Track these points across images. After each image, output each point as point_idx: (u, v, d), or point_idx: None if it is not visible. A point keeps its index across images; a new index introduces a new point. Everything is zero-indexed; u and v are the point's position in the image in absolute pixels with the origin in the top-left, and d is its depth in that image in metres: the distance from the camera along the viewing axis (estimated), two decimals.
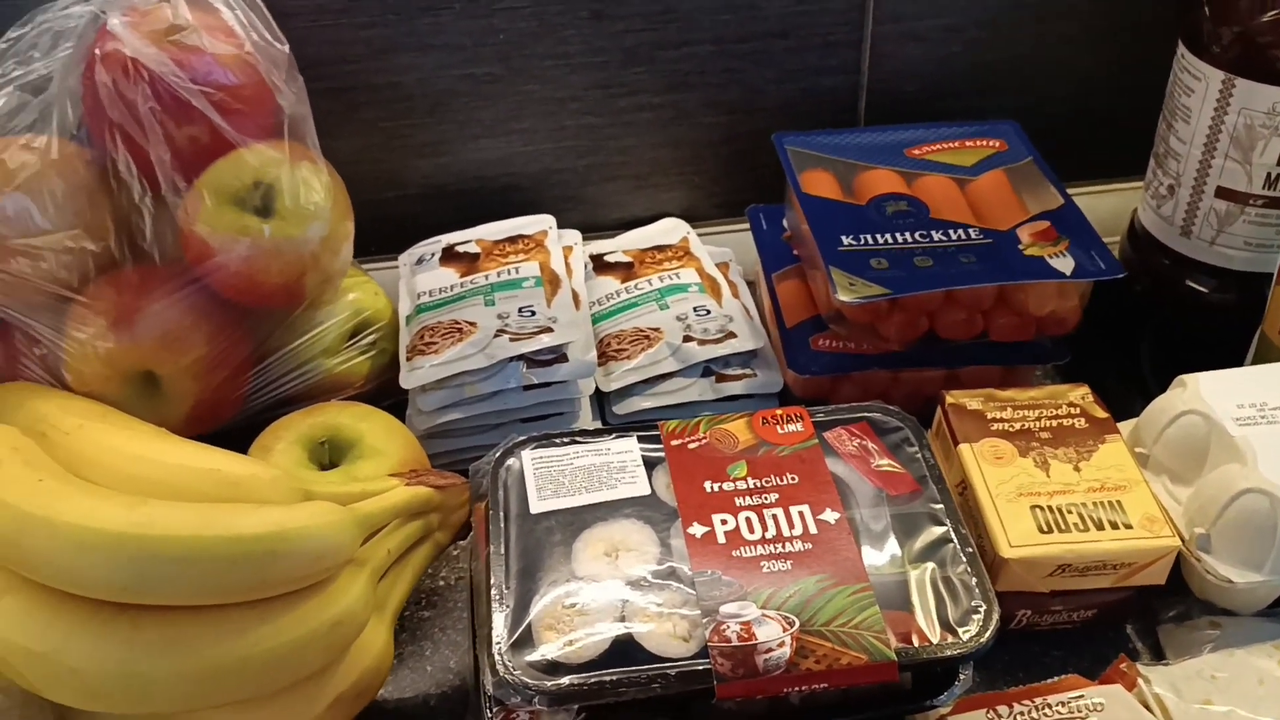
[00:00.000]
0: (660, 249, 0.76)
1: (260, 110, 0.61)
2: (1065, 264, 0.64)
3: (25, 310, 0.60)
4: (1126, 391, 0.67)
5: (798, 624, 0.48)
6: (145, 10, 0.61)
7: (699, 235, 0.78)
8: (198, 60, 0.59)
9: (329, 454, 0.59)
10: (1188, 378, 0.60)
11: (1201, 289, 0.71)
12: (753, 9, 0.73)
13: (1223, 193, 0.67)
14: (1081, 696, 0.52)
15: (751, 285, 0.76)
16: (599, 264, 0.75)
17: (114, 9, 0.60)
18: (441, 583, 0.62)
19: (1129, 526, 0.55)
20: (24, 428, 0.53)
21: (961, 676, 0.51)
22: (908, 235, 0.66)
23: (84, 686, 0.46)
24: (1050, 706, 0.52)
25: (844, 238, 0.66)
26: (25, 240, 0.58)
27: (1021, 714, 0.52)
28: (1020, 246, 0.65)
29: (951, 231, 0.66)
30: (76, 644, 0.46)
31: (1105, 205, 0.79)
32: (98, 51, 0.59)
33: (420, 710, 0.56)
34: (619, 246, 0.76)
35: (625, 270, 0.74)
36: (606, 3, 0.71)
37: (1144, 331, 0.74)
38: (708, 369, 0.68)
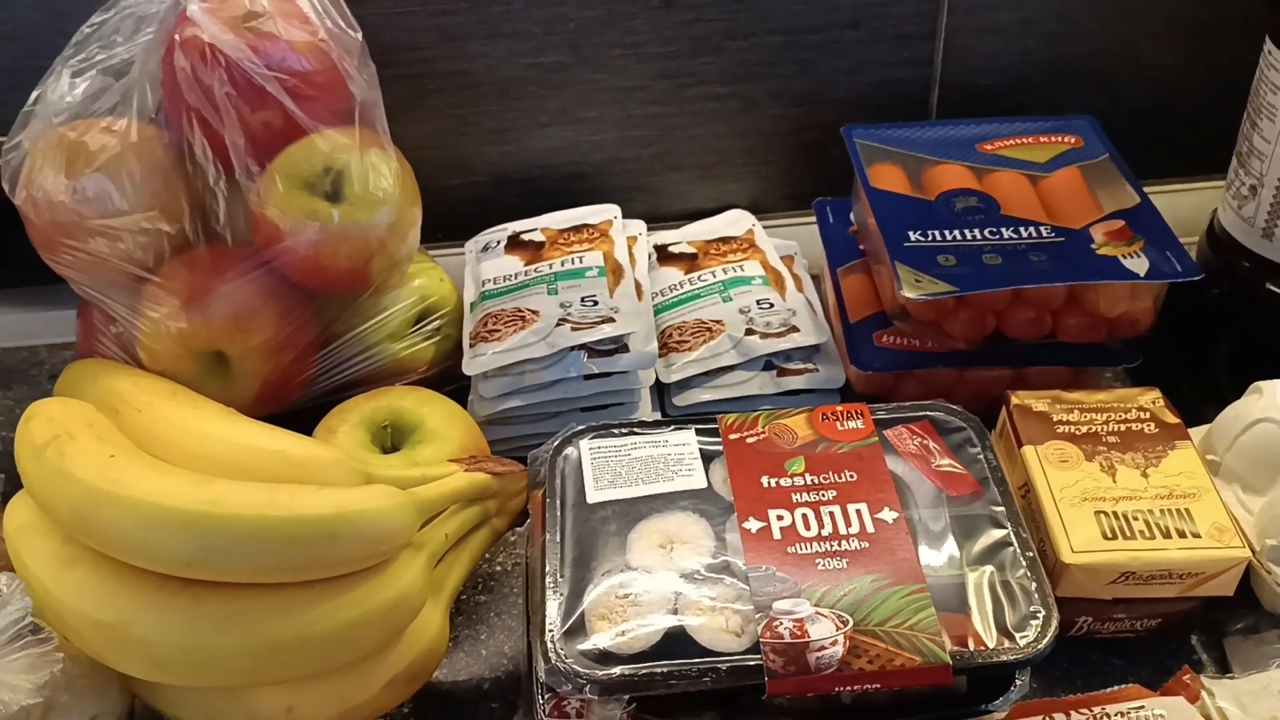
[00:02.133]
0: (725, 240, 0.75)
1: (332, 96, 0.62)
2: (1139, 265, 0.62)
3: (103, 289, 0.62)
4: (1201, 397, 0.65)
5: (851, 623, 0.48)
6: None
7: (765, 227, 0.77)
8: (273, 47, 0.60)
9: (391, 437, 0.60)
10: (1264, 384, 0.59)
11: None
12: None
13: None
14: (1142, 708, 0.51)
15: (816, 279, 0.75)
16: (663, 254, 0.75)
17: None
18: (499, 568, 0.62)
19: (1197, 536, 0.53)
20: (98, 403, 0.55)
21: (1018, 682, 0.50)
22: (977, 232, 0.65)
23: (148, 657, 0.48)
24: (1109, 716, 0.51)
25: (911, 233, 0.65)
26: (104, 221, 0.60)
27: None
28: (1093, 246, 0.64)
29: (1022, 229, 0.65)
30: (142, 616, 0.47)
31: (1185, 205, 0.77)
32: (177, 37, 0.60)
33: (473, 693, 0.56)
34: (684, 237, 0.76)
35: (689, 261, 0.74)
36: None
37: (1221, 335, 0.72)
38: (769, 363, 0.68)
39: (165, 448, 0.52)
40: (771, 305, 0.69)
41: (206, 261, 0.62)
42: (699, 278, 0.72)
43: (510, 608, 0.60)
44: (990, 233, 0.65)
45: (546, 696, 0.51)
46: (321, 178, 0.61)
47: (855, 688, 0.48)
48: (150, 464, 0.50)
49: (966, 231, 0.65)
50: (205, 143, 0.61)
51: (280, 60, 0.60)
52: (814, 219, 0.75)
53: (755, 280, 0.71)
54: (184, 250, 0.62)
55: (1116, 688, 0.53)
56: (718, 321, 0.68)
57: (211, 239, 0.62)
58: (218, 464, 0.51)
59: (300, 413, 0.64)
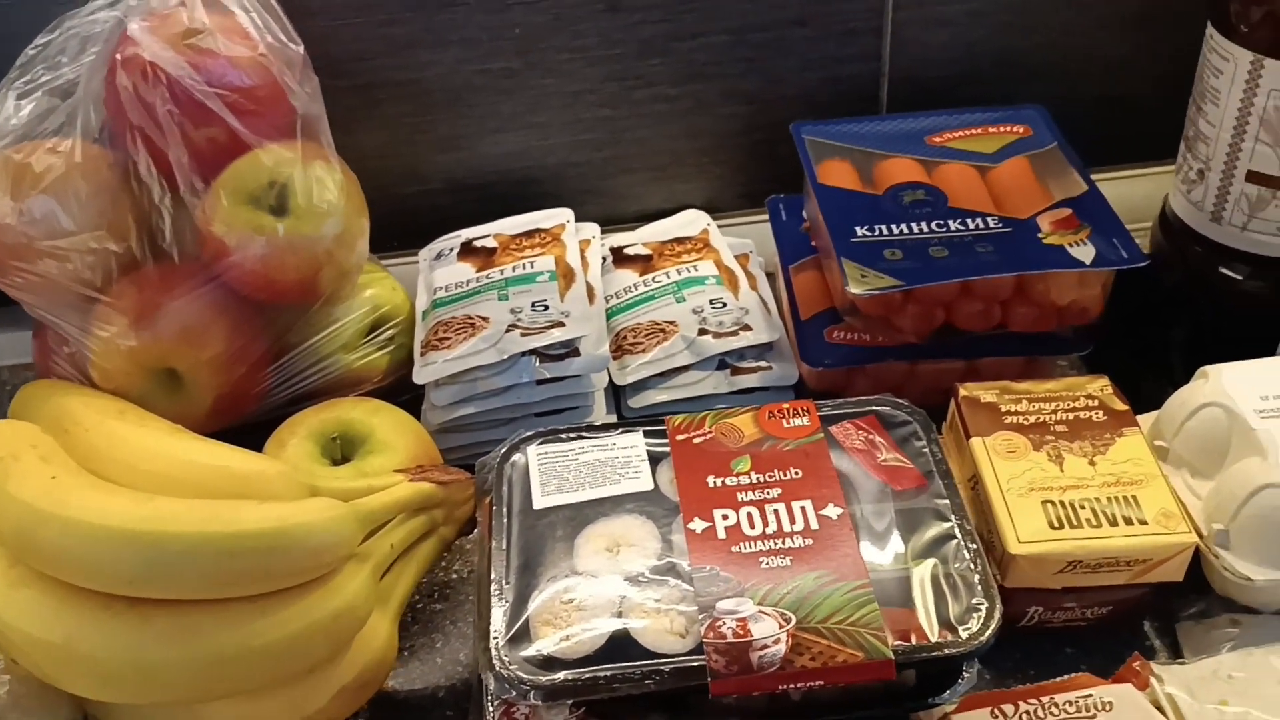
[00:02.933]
0: (680, 241, 0.76)
1: (274, 110, 0.62)
2: (1086, 253, 0.63)
3: (53, 310, 0.62)
4: (1156, 383, 0.65)
5: (794, 621, 0.48)
6: (164, 14, 0.62)
7: (722, 226, 0.78)
8: (213, 63, 0.60)
9: (341, 449, 0.60)
10: (1210, 369, 0.59)
11: (1235, 276, 0.69)
12: None
13: (1253, 177, 0.65)
14: (1090, 695, 0.51)
15: (772, 277, 0.75)
16: (619, 257, 0.75)
17: (135, 14, 0.62)
18: (455, 576, 0.62)
19: (1144, 522, 0.53)
20: (48, 424, 0.55)
21: (965, 675, 0.50)
22: (924, 225, 0.65)
23: (96, 675, 0.48)
24: (1057, 705, 0.51)
25: (858, 228, 0.65)
26: (52, 242, 0.60)
27: (1027, 713, 0.51)
28: (1040, 235, 0.64)
29: (969, 221, 0.65)
30: (88, 635, 0.48)
31: (1139, 191, 0.77)
32: (118, 56, 0.60)
33: (428, 702, 0.57)
34: (639, 239, 0.76)
35: (644, 263, 0.74)
36: None
37: (1175, 321, 0.72)
38: (723, 362, 0.68)
39: (112, 466, 0.52)
40: (724, 305, 0.70)
41: (154, 279, 0.62)
42: (653, 279, 0.72)
43: (465, 615, 0.60)
44: (938, 225, 0.65)
45: (495, 704, 0.52)
46: (266, 192, 0.61)
47: (799, 685, 0.48)
48: (92, 484, 0.50)
49: (914, 225, 0.65)
50: (150, 160, 0.61)
51: (221, 76, 0.61)
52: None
53: (709, 280, 0.71)
54: (132, 268, 0.62)
55: (1066, 677, 0.53)
56: (671, 322, 0.69)
57: (159, 256, 0.62)
58: (163, 481, 0.51)
59: (256, 426, 0.64)
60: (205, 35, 0.61)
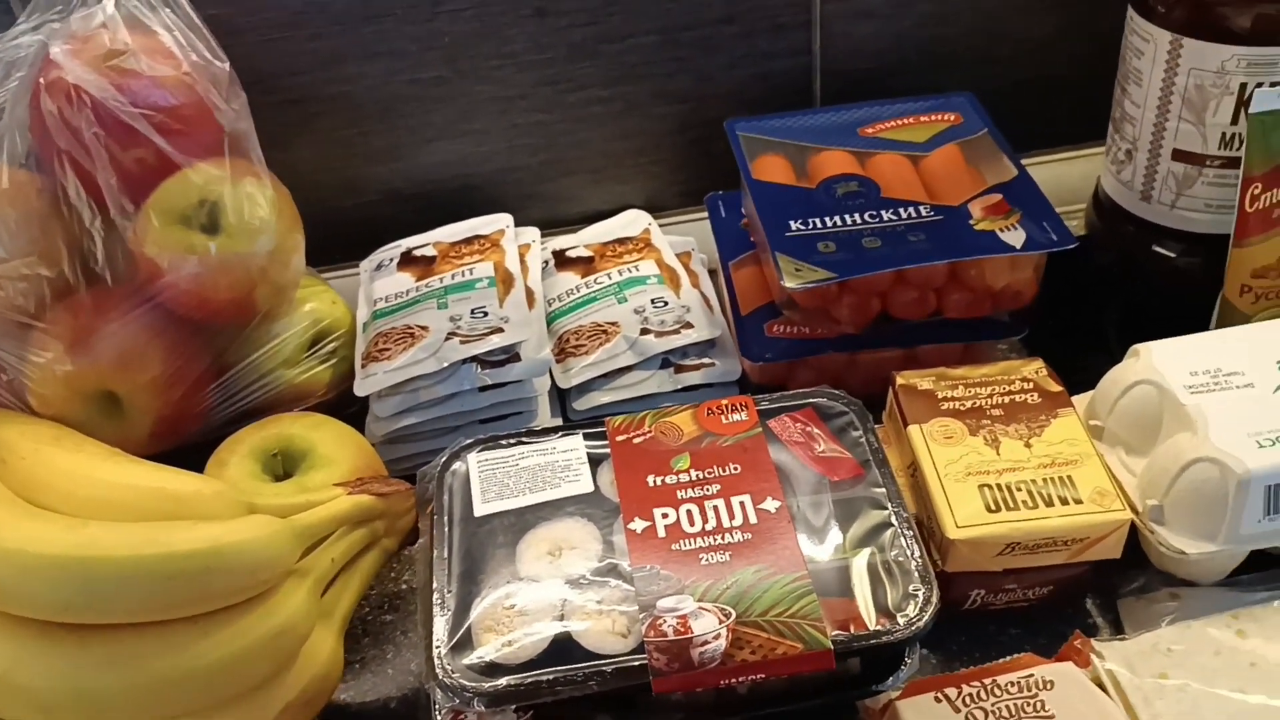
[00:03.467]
0: (621, 242, 0.76)
1: (201, 129, 0.62)
2: (1016, 237, 0.63)
3: None
4: (1095, 363, 0.66)
5: (734, 615, 0.48)
6: (85, 37, 0.61)
7: (664, 225, 0.78)
8: (137, 84, 0.60)
9: (283, 465, 0.60)
10: (1141, 347, 0.59)
11: (1167, 254, 0.69)
12: None
13: (1179, 155, 0.66)
14: (1032, 675, 0.51)
15: (714, 274, 0.75)
16: (560, 260, 0.75)
17: (57, 37, 0.61)
18: (404, 586, 0.62)
19: (1079, 502, 0.54)
20: None
21: (908, 661, 0.51)
22: (857, 216, 0.65)
23: (35, 704, 0.48)
24: (1000, 687, 0.51)
25: (792, 222, 0.65)
26: None
27: (971, 695, 0.51)
28: (971, 221, 0.65)
29: (902, 210, 0.66)
30: (26, 663, 0.47)
31: (1074, 174, 0.78)
32: (42, 80, 0.60)
33: (380, 713, 0.57)
34: (580, 241, 0.77)
35: (585, 265, 0.74)
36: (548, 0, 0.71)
37: (1111, 300, 0.73)
38: (666, 360, 0.68)
39: (49, 493, 0.52)
40: (666, 303, 0.70)
41: (88, 303, 0.62)
42: (595, 281, 0.72)
43: (416, 626, 0.60)
44: (870, 216, 0.65)
45: (444, 713, 0.52)
46: (197, 211, 0.61)
47: (741, 679, 0.48)
48: (26, 511, 0.50)
49: (847, 217, 0.65)
50: (79, 184, 0.60)
51: (146, 96, 0.60)
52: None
53: (650, 279, 0.72)
54: (66, 294, 0.62)
55: (1009, 658, 0.53)
56: (613, 323, 0.69)
57: (92, 280, 0.62)
58: (100, 506, 0.51)
59: (199, 446, 0.63)
60: (128, 56, 0.61)
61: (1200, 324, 0.65)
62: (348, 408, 0.67)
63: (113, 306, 0.62)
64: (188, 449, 0.63)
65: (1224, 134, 0.64)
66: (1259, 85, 0.61)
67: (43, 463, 0.54)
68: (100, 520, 0.49)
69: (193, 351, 0.64)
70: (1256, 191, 0.61)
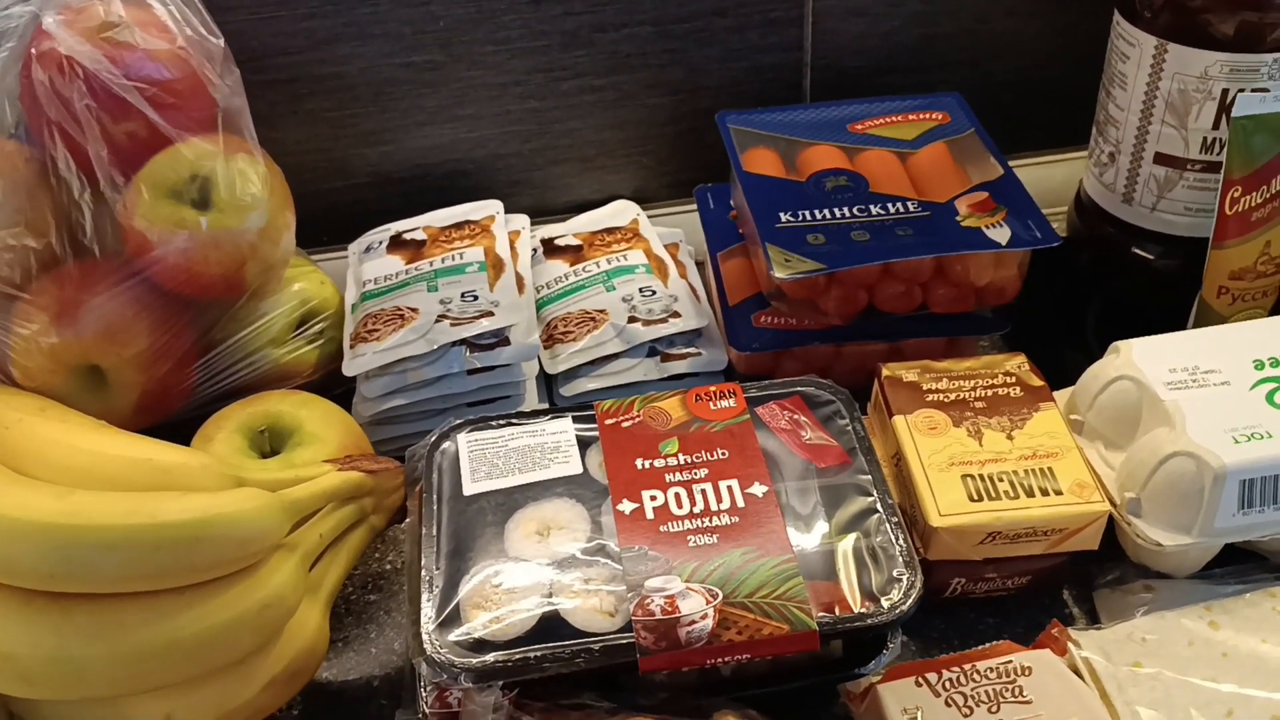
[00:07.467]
0: (610, 231, 0.76)
1: (195, 104, 0.62)
2: (1001, 234, 0.64)
3: None
4: (1075, 359, 0.67)
5: (721, 596, 0.49)
6: (79, 8, 0.61)
7: (652, 216, 0.78)
8: (131, 56, 0.60)
9: (269, 442, 0.60)
10: (1121, 344, 0.61)
11: (1147, 256, 0.71)
12: None
13: (1161, 158, 0.67)
14: (1010, 662, 0.52)
15: (701, 265, 0.76)
16: (549, 248, 0.75)
17: (49, 8, 0.61)
18: (389, 566, 0.62)
19: (1059, 493, 0.55)
20: None
21: (890, 645, 0.51)
22: (846, 210, 0.66)
23: (18, 672, 0.47)
24: (979, 673, 0.52)
25: (782, 214, 0.66)
26: None
27: (950, 681, 0.52)
28: (957, 218, 0.65)
29: (890, 205, 0.66)
30: (9, 631, 0.47)
31: (1057, 175, 0.79)
32: (33, 50, 0.59)
33: (363, 691, 0.57)
34: (569, 230, 0.77)
35: (574, 253, 0.75)
36: None
37: (1091, 299, 0.74)
38: (653, 349, 0.69)
39: (34, 463, 0.52)
40: (654, 292, 0.70)
41: (75, 276, 0.61)
42: (583, 269, 0.73)
43: (399, 605, 0.60)
44: (859, 210, 0.66)
45: (429, 690, 0.52)
46: (188, 186, 0.61)
47: (727, 659, 0.49)
48: (11, 479, 0.49)
49: (836, 210, 0.66)
50: (68, 156, 0.60)
51: (139, 69, 0.60)
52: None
53: (638, 269, 0.72)
54: (53, 265, 0.61)
55: (988, 645, 0.54)
56: (601, 311, 0.69)
57: (80, 252, 0.61)
58: (86, 476, 0.51)
59: (184, 423, 0.63)
60: (122, 28, 0.60)
61: (1177, 324, 0.66)
62: (334, 389, 0.67)
63: (100, 279, 0.61)
64: (172, 425, 0.63)
65: (1205, 138, 0.65)
66: (1241, 90, 0.62)
67: (28, 433, 0.54)
68: (86, 490, 0.49)
69: (179, 327, 0.63)
70: (1236, 195, 0.62)
